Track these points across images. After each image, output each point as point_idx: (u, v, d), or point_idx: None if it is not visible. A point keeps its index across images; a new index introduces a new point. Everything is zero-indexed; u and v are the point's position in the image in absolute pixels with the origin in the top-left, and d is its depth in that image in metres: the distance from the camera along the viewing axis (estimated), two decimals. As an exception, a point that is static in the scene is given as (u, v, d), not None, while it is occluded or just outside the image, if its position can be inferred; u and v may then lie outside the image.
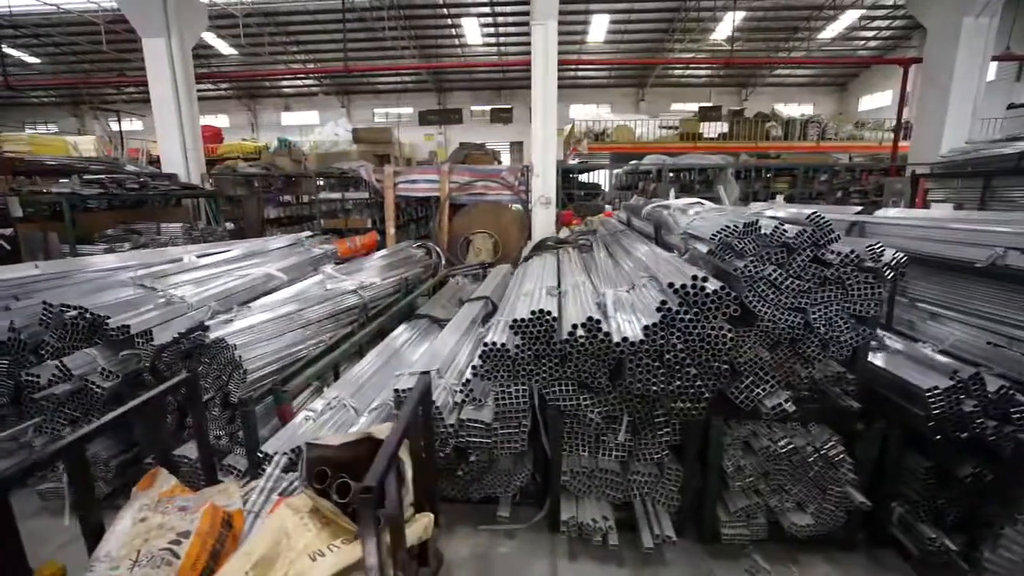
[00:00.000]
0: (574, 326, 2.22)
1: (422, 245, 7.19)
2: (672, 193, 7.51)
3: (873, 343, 2.44)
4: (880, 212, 4.22)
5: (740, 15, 19.13)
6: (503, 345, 2.33)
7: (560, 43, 24.04)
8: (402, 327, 3.91)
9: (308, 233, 5.88)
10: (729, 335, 2.04)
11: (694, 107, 23.63)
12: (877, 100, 23.16)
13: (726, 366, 2.12)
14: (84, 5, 15.59)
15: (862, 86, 23.90)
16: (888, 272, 2.61)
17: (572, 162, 15.89)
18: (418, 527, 1.83)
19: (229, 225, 8.79)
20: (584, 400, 2.36)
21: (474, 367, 2.42)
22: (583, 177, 15.21)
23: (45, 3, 15.82)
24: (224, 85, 23.46)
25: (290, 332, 3.29)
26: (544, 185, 7.68)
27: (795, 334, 2.20)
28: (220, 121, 24.53)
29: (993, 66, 17.36)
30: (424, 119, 18.01)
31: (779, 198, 7.97)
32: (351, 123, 24.31)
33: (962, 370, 2.12)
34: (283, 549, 1.47)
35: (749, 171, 9.63)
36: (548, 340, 2.32)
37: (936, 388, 2.05)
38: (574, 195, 11.51)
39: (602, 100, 25.49)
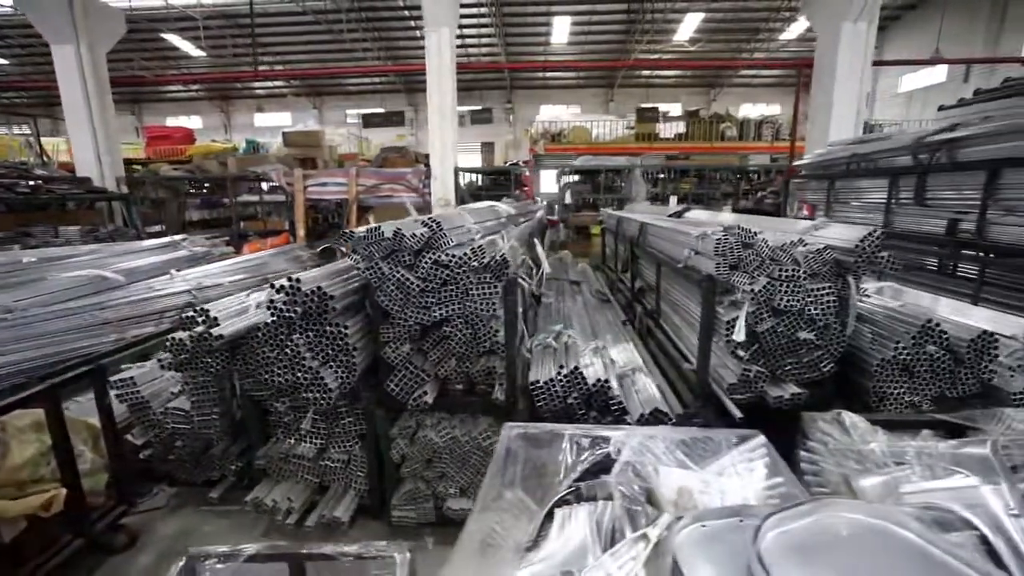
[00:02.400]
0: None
1: (328, 247, 7.39)
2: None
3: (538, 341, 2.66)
4: (690, 214, 4.42)
5: (700, 16, 19.30)
6: (181, 340, 2.55)
7: (525, 45, 24.21)
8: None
9: (182, 236, 6.09)
10: (346, 330, 2.27)
11: (663, 108, 23.83)
12: (842, 100, 23.19)
13: (355, 359, 2.34)
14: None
15: (828, 86, 23.92)
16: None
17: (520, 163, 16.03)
18: (32, 501, 2.06)
19: (157, 228, 9.06)
20: (266, 391, 2.59)
21: (159, 359, 2.65)
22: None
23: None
24: (195, 86, 23.71)
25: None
26: (443, 187, 7.89)
27: (448, 332, 2.42)
28: (193, 122, 24.83)
29: (943, 68, 17.55)
30: (368, 122, 18.21)
31: (672, 200, 8.17)
32: (323, 124, 24.56)
33: (570, 365, 2.33)
34: None
35: (660, 171, 9.82)
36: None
37: (538, 381, 2.27)
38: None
39: (572, 101, 25.66)
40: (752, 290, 2.29)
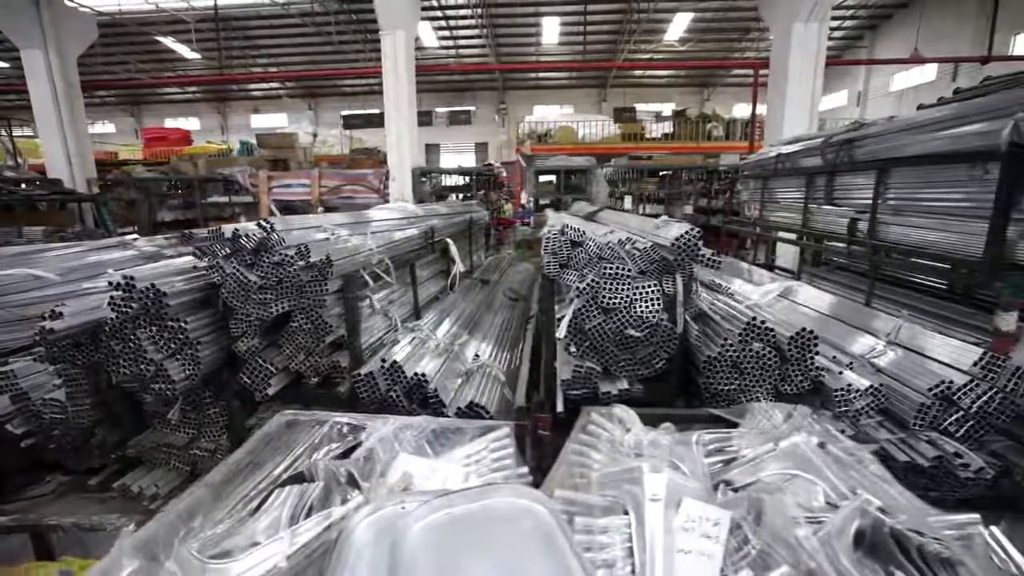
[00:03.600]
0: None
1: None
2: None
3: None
4: (602, 215, 4.49)
5: (689, 16, 19.27)
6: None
7: (516, 46, 24.30)
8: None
9: (134, 236, 6.25)
10: (187, 325, 2.37)
11: (657, 107, 23.81)
12: (836, 100, 23.05)
13: (200, 353, 2.45)
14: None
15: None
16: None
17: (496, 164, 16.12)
18: None
19: (129, 229, 9.28)
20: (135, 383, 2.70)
21: (33, 353, 2.78)
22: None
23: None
24: (192, 88, 24.10)
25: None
26: (401, 188, 8.01)
27: (294, 327, 2.53)
28: (191, 124, 25.23)
29: (933, 67, 17.36)
30: (348, 123, 18.41)
31: (576, 203, 8.27)
32: (319, 125, 24.84)
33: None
34: None
35: (626, 171, 9.87)
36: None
37: (359, 374, 2.35)
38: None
39: (565, 101, 25.72)
40: (579, 287, 2.36)
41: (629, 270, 2.34)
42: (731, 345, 2.38)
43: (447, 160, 25.99)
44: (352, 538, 1.15)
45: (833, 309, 3.58)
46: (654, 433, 1.63)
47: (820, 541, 1.11)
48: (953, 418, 2.46)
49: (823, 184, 4.42)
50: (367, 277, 2.71)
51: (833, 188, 4.29)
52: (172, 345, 2.41)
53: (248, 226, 2.42)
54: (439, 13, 19.06)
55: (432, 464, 1.58)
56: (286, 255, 2.37)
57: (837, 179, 4.25)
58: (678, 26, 19.97)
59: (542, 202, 10.69)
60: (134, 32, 17.57)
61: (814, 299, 3.81)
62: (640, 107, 25.20)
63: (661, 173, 9.60)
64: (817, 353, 2.36)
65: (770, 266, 5.62)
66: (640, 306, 2.34)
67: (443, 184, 10.38)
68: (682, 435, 1.61)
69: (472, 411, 2.28)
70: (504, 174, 12.66)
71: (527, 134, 18.22)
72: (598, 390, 2.43)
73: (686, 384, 2.66)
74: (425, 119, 25.04)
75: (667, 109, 21.97)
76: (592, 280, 2.34)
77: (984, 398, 2.39)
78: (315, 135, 19.70)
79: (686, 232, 2.28)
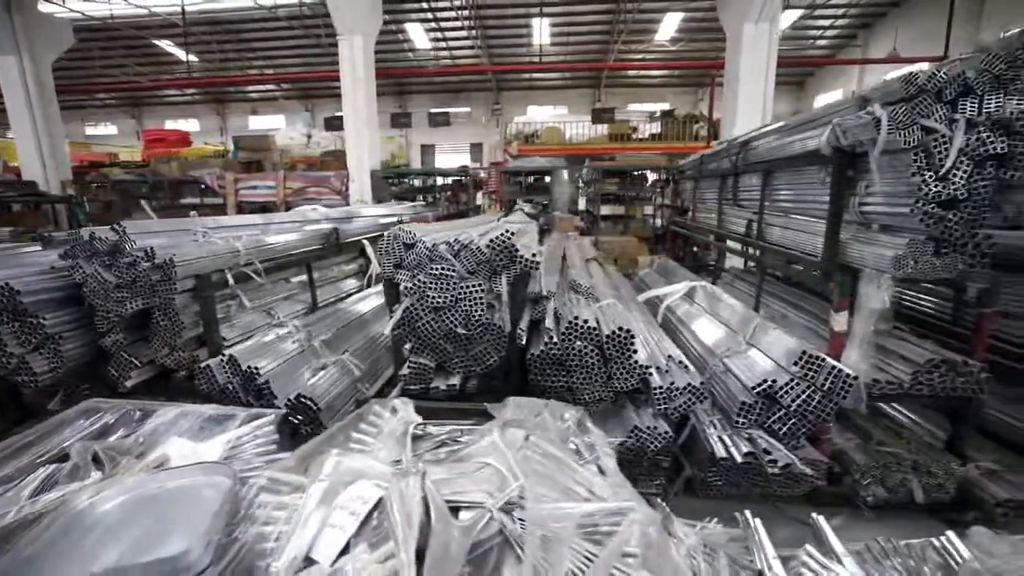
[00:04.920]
0: None
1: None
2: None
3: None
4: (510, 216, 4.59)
5: (679, 16, 19.21)
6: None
7: (508, 47, 24.35)
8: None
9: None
10: (45, 321, 2.54)
11: (651, 107, 23.75)
12: (832, 98, 22.83)
13: (62, 347, 2.62)
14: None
15: (818, 85, 23.60)
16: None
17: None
18: None
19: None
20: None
21: None
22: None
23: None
24: (191, 91, 24.54)
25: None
26: (360, 189, 8.18)
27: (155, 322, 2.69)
28: (191, 125, 25.69)
29: (924, 67, 17.13)
30: (329, 124, 18.66)
31: (519, 202, 8.37)
32: (315, 126, 25.14)
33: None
34: None
35: (592, 172, 9.92)
36: None
37: (199, 366, 2.50)
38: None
39: (559, 101, 25.74)
40: (407, 287, 2.48)
41: (454, 270, 2.46)
42: (555, 343, 2.48)
43: (442, 160, 26.18)
44: (62, 509, 1.31)
45: (716, 309, 3.67)
46: (398, 424, 1.75)
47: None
48: (776, 416, 2.55)
49: (731, 186, 4.49)
50: (229, 277, 2.85)
51: (739, 190, 4.36)
52: (33, 339, 2.57)
53: (102, 229, 2.58)
54: (429, 15, 19.22)
55: (194, 447, 1.72)
56: (136, 256, 2.53)
57: (741, 181, 4.32)
58: (668, 26, 19.90)
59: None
60: (129, 36, 17.99)
61: (707, 299, 3.90)
62: (635, 107, 25.18)
63: (623, 173, 9.65)
64: (635, 351, 2.45)
65: (698, 267, 5.68)
66: (465, 305, 2.46)
67: (415, 185, 10.53)
68: (419, 427, 1.73)
69: (299, 403, 2.42)
70: (483, 175, 12.77)
71: (514, 135, 18.31)
72: (430, 385, 2.55)
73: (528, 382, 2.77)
74: (422, 120, 25.34)
75: (672, 109, 21.90)
76: (420, 280, 2.46)
77: (803, 396, 2.47)
78: (310, 136, 19.99)
79: (500, 235, 2.39)
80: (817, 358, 2.45)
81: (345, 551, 1.22)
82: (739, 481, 2.58)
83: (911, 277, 2.26)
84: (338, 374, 2.75)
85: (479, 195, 15.43)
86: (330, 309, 3.67)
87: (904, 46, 17.59)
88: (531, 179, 10.47)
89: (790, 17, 18.82)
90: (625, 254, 8.01)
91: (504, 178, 10.35)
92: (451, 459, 1.54)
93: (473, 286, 2.45)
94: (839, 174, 2.60)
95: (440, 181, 12.16)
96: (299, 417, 2.42)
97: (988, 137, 2.03)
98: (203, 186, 8.84)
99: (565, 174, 9.58)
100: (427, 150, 26.53)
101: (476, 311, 2.45)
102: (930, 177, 2.10)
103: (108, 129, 25.72)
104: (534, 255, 2.42)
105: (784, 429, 2.50)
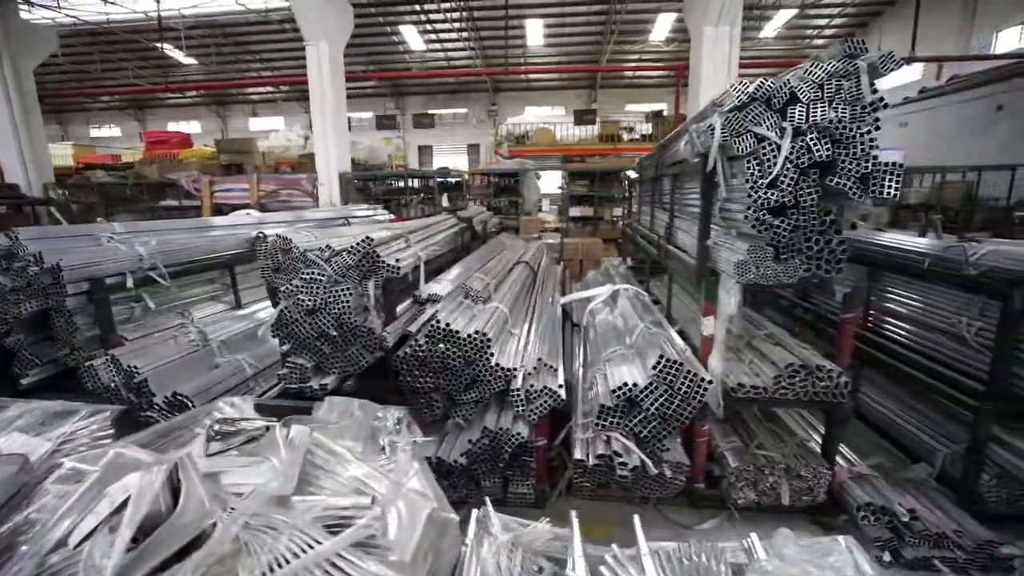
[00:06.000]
0: None
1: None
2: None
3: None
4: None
5: (672, 16, 19.17)
6: None
7: (502, 48, 24.32)
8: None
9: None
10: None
11: (648, 108, 23.68)
12: (828, 98, 22.58)
13: None
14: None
15: (814, 84, 23.31)
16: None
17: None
18: None
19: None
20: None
21: None
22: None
23: None
24: (192, 93, 24.96)
25: None
26: (329, 192, 8.32)
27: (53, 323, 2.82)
28: (192, 127, 26.14)
29: (918, 67, 16.92)
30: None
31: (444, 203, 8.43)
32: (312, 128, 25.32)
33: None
34: None
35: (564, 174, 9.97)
36: None
37: (82, 366, 2.63)
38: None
39: (556, 102, 25.81)
40: (283, 290, 2.59)
41: (324, 274, 2.56)
42: (420, 346, 2.57)
43: (440, 161, 26.35)
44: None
45: (624, 313, 3.73)
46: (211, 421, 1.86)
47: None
48: (637, 419, 2.61)
49: (657, 190, 4.55)
50: (130, 280, 2.98)
51: (663, 193, 4.41)
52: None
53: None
54: (422, 17, 19.39)
55: (26, 439, 1.84)
56: (27, 261, 2.67)
57: (662, 185, 4.37)
58: (662, 27, 19.89)
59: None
60: (128, 40, 18.36)
61: (628, 303, 3.96)
62: (631, 107, 25.11)
63: (591, 175, 9.69)
64: (491, 354, 2.53)
65: (637, 267, 5.73)
66: (335, 308, 2.56)
67: (394, 186, 10.62)
68: (225, 424, 1.84)
69: (176, 399, 2.54)
70: (465, 176, 12.86)
71: (504, 136, 18.39)
72: (306, 385, 2.66)
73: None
74: (420, 121, 25.49)
75: (662, 109, 21.84)
76: (294, 284, 2.57)
77: (661, 400, 2.53)
78: (307, 137, 20.24)
79: (362, 240, 2.49)
80: (674, 363, 2.51)
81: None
82: (608, 483, 2.64)
83: (754, 283, 2.32)
84: (229, 373, 2.86)
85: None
86: (250, 310, 3.79)
87: (900, 44, 17.38)
88: (511, 180, 10.51)
89: (784, 16, 18.75)
90: (590, 256, 8.06)
91: (481, 180, 10.45)
92: (242, 453, 1.64)
93: (341, 290, 2.54)
94: (706, 180, 2.66)
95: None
96: (176, 414, 2.54)
97: (814, 144, 2.08)
98: (183, 189, 9.05)
99: (532, 176, 9.64)
100: (424, 151, 26.73)
101: (346, 314, 2.55)
102: (760, 183, 2.15)
103: (112, 131, 26.27)
104: (397, 261, 2.51)
105: (645, 432, 2.56)
